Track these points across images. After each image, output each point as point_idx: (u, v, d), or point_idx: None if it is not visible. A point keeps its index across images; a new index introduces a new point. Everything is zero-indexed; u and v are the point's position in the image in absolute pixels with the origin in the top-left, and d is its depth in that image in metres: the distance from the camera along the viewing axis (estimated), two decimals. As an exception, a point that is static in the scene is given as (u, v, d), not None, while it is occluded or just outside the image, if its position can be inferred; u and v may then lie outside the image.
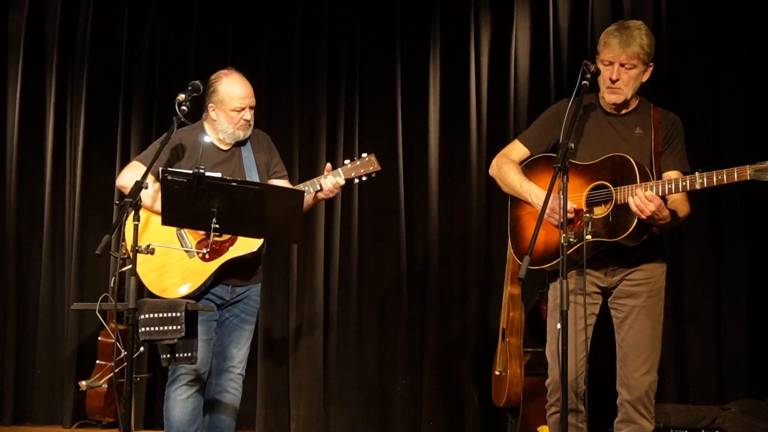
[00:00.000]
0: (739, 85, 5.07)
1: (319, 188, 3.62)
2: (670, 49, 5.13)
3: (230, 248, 3.56)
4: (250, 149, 3.76)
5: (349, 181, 3.66)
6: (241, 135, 3.68)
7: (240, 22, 5.61)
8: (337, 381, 5.36)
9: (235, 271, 3.63)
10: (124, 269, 3.02)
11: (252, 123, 3.72)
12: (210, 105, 3.67)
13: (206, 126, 3.74)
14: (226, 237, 3.56)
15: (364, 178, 3.67)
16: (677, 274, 4.95)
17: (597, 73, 3.21)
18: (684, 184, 3.02)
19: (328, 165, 3.68)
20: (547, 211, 3.08)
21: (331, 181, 3.60)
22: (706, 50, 5.12)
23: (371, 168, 3.66)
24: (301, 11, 5.56)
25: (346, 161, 3.68)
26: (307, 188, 3.61)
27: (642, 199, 3.02)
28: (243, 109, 3.64)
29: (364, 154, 3.68)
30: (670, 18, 5.15)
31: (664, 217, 3.08)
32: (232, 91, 3.63)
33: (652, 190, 3.04)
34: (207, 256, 3.52)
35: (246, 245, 3.56)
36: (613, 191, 3.14)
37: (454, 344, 5.31)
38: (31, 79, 5.67)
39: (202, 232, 3.54)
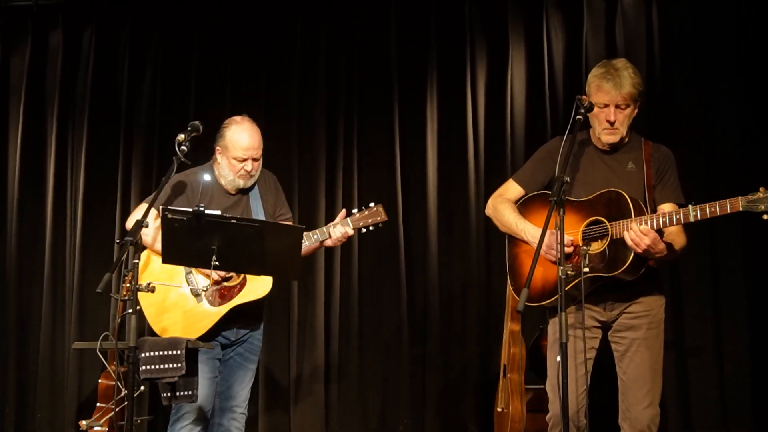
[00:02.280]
0: (734, 93, 5.11)
1: (327, 236, 3.67)
2: (664, 79, 5.22)
3: (239, 294, 3.58)
4: (258, 195, 3.78)
5: (356, 231, 3.72)
6: (241, 184, 3.70)
7: (238, 61, 5.67)
8: (339, 423, 5.33)
9: (240, 316, 3.63)
10: (129, 311, 3.01)
11: (255, 175, 3.71)
12: (217, 148, 3.72)
13: (214, 168, 3.78)
14: (235, 282, 3.58)
15: (371, 228, 3.74)
16: (677, 307, 4.95)
17: (590, 108, 3.25)
18: (678, 217, 3.04)
19: (343, 211, 3.74)
20: (544, 248, 3.11)
21: (340, 230, 3.65)
22: (699, 78, 5.19)
23: (378, 218, 3.73)
24: (299, 50, 5.63)
25: (354, 211, 3.73)
26: (315, 236, 3.65)
27: (637, 233, 3.04)
28: (245, 160, 3.64)
29: (372, 204, 3.74)
30: (662, 49, 5.25)
31: (660, 251, 3.10)
32: (237, 140, 3.64)
33: (646, 224, 3.06)
34: (215, 301, 3.54)
35: (254, 291, 3.58)
36: (609, 226, 3.16)
37: (456, 382, 5.29)
38: (33, 124, 5.73)
39: (215, 277, 3.53)
